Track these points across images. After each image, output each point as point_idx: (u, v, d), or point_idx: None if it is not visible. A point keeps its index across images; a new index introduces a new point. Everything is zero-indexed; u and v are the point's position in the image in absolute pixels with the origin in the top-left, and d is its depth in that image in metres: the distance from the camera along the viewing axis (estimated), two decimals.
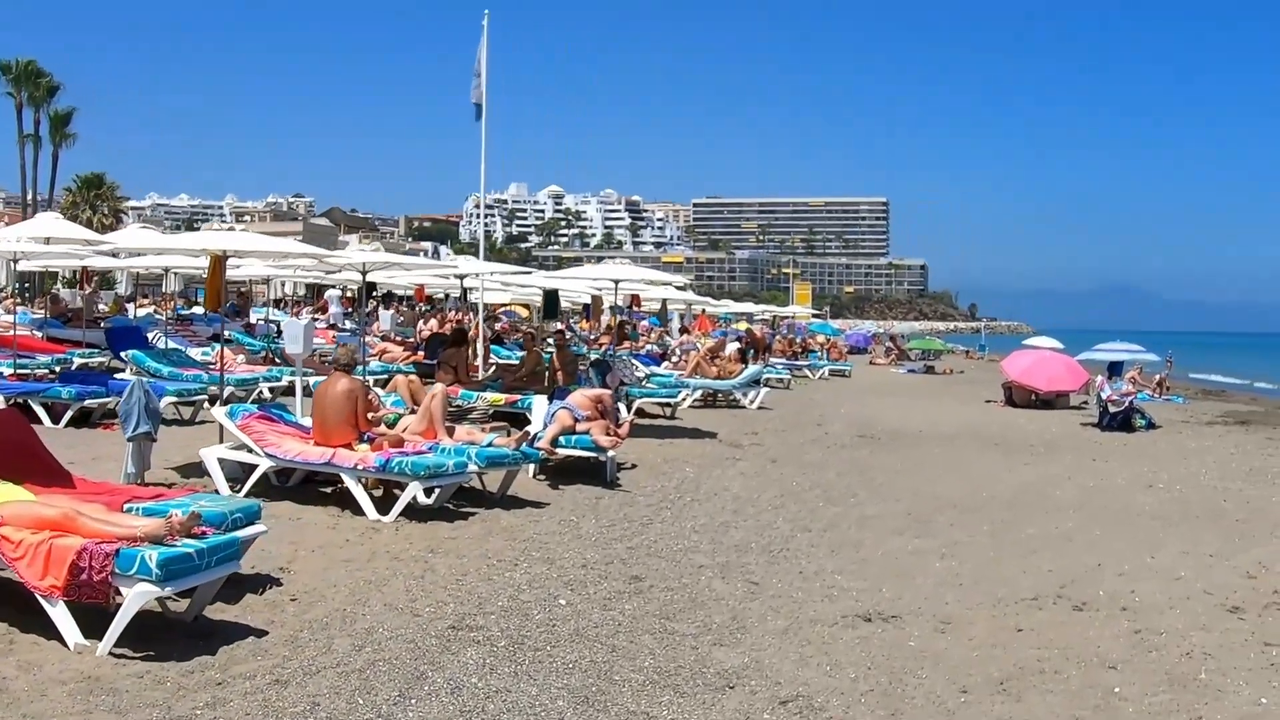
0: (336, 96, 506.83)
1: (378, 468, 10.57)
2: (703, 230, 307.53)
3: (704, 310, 45.47)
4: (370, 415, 11.49)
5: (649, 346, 33.65)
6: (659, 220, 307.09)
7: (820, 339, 53.03)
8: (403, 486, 10.54)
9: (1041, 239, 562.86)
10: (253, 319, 33.45)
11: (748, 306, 52.04)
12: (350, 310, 35.76)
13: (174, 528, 6.72)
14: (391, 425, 12.09)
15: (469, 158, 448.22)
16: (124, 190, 73.45)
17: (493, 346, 28.02)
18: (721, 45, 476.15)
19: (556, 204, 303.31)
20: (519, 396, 16.87)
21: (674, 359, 29.23)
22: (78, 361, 20.90)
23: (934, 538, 11.43)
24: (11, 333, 23.31)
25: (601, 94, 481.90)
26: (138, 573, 6.37)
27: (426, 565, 8.99)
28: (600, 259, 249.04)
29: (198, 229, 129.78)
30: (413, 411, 12.79)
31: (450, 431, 12.19)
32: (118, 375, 18.45)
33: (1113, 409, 23.44)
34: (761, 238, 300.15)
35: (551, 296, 23.44)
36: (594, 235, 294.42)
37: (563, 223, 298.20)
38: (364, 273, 16.35)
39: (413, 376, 13.91)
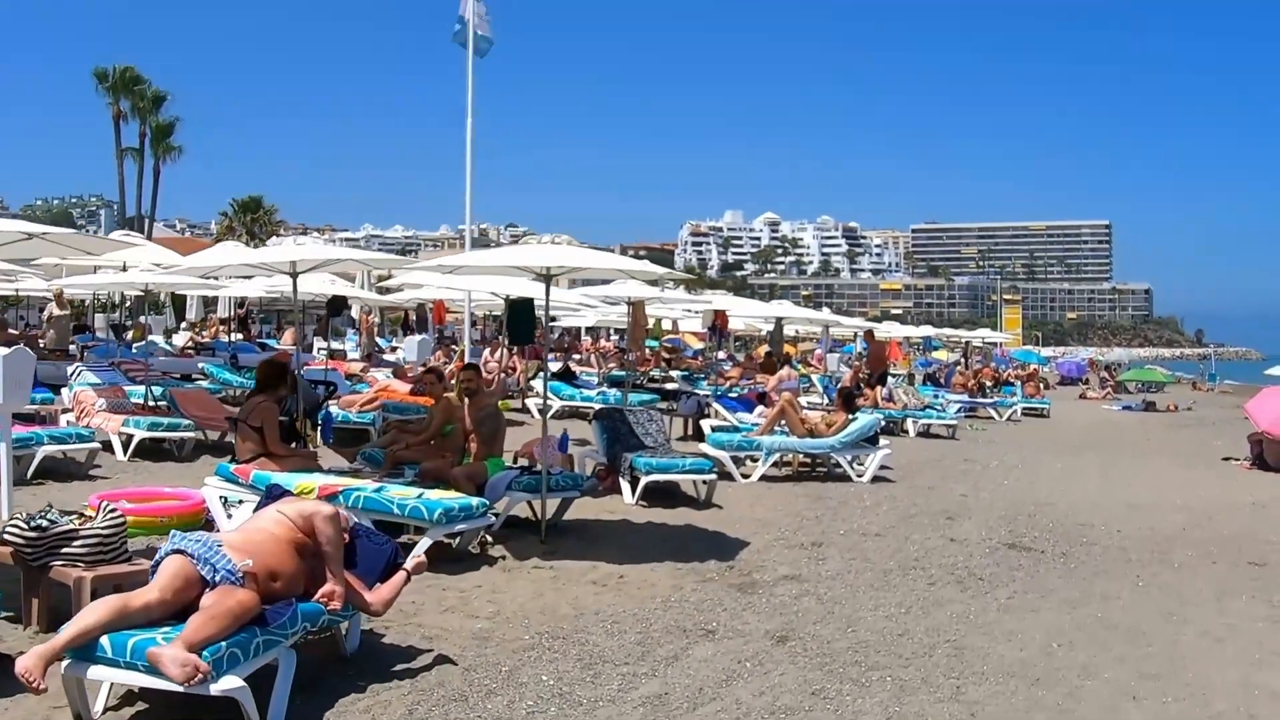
0: (566, 126, 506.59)
1: None
2: (921, 256, 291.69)
3: (862, 332, 36.22)
4: None
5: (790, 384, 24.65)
6: (877, 246, 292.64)
7: (1032, 368, 44.35)
8: None
9: (1261, 259, 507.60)
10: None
11: (925, 330, 42.53)
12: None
13: None
14: None
15: (684, 184, 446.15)
16: (340, 222, 68.39)
17: (553, 384, 19.91)
18: (937, 71, 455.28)
19: (773, 231, 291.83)
20: (346, 485, 8.60)
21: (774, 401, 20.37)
22: None
23: None
24: None
25: (815, 120, 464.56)
26: None
27: None
28: (818, 287, 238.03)
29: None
30: None
31: None
32: None
33: None
34: (982, 263, 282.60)
35: (522, 309, 14.14)
36: (810, 262, 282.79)
37: (779, 250, 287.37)
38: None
39: None
